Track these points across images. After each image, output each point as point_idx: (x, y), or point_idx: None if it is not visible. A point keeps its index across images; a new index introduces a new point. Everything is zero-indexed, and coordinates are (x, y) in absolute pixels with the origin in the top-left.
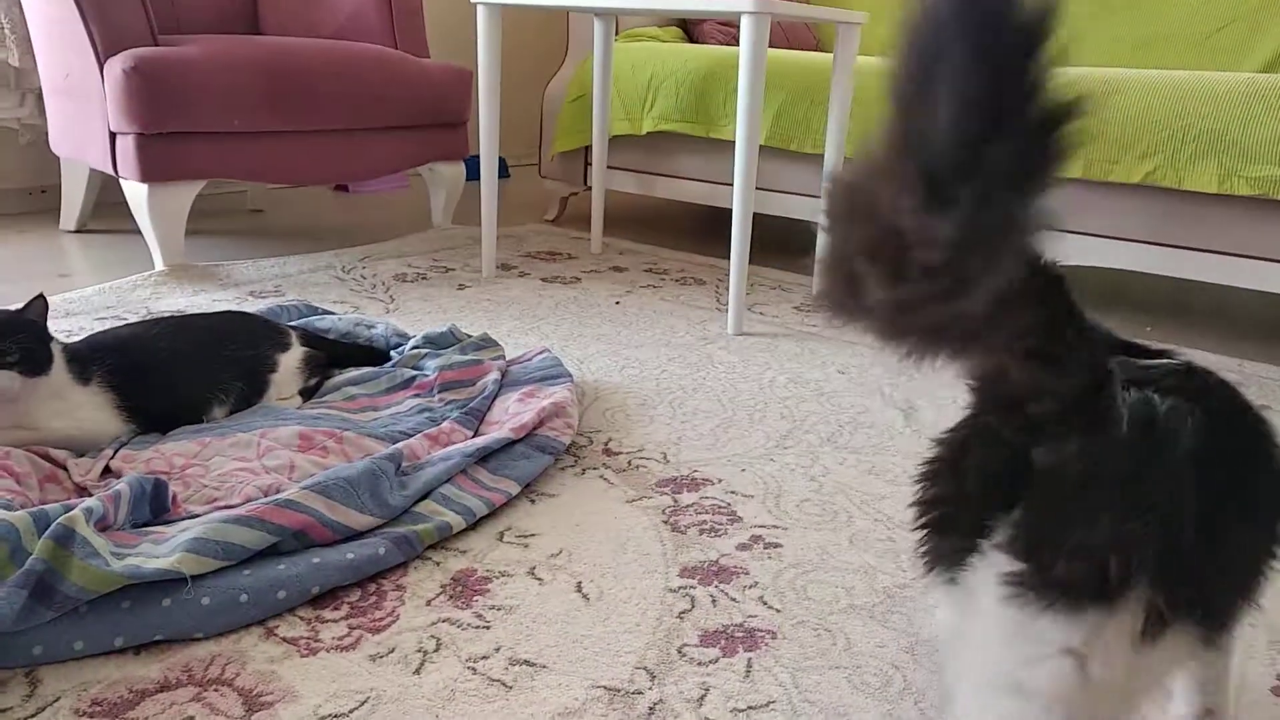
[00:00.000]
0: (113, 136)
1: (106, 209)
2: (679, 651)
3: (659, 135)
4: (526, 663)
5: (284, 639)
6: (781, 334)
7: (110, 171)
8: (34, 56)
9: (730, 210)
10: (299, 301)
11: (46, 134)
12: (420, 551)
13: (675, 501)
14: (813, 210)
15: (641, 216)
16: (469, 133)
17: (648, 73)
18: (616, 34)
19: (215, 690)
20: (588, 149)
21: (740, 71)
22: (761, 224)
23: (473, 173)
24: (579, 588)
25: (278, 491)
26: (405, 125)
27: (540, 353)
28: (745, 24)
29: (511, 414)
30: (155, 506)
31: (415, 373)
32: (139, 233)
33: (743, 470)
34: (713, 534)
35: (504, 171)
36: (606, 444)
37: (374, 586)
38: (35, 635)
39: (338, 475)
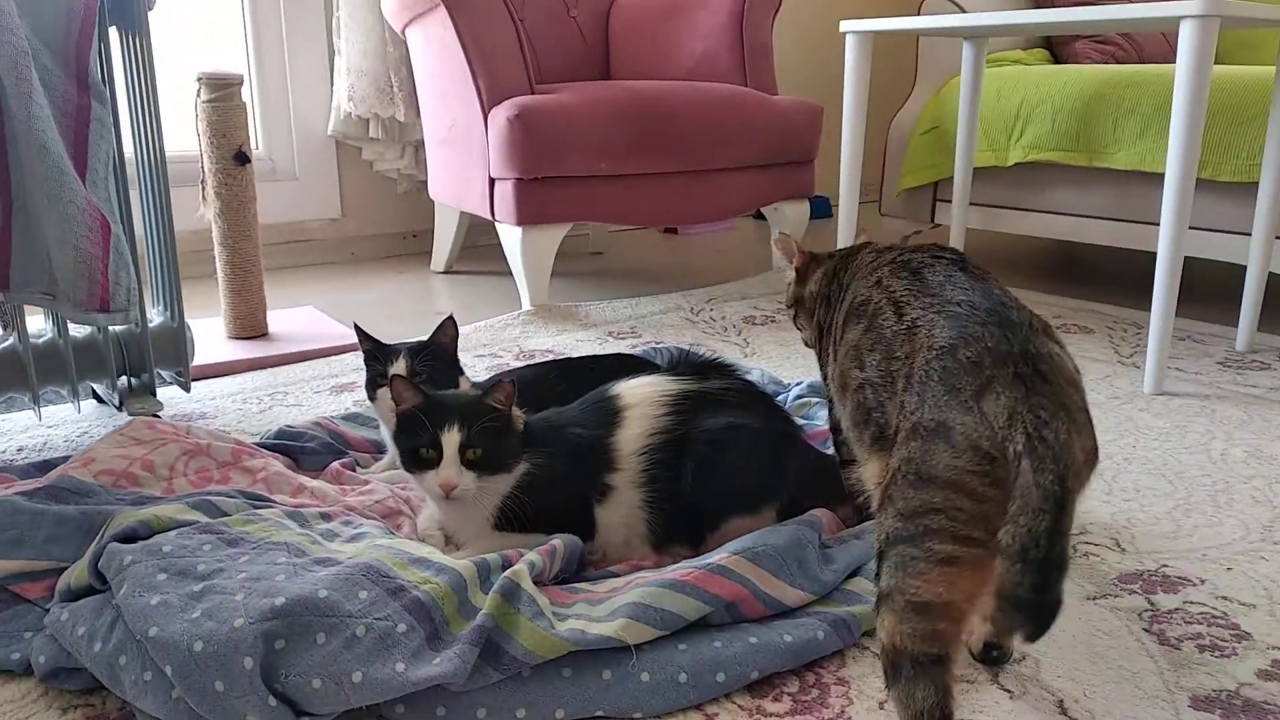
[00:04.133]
0: (491, 182)
1: (469, 252)
2: None
3: (1024, 167)
4: None
5: None
6: (1213, 395)
7: (487, 216)
8: (418, 111)
9: (1108, 247)
10: (671, 347)
11: (421, 183)
12: (858, 639)
13: (1151, 604)
14: (1236, 249)
15: (991, 255)
16: (814, 170)
17: (1017, 98)
18: None
19: None
20: (936, 184)
21: (1177, 88)
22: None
23: (814, 211)
24: (1062, 708)
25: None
26: (757, 164)
27: None
28: (1188, 31)
29: None
30: (581, 561)
31: (805, 422)
32: (499, 274)
33: (1229, 569)
34: (1217, 653)
35: (826, 210)
36: None
37: (812, 676)
38: (479, 697)
39: (765, 542)
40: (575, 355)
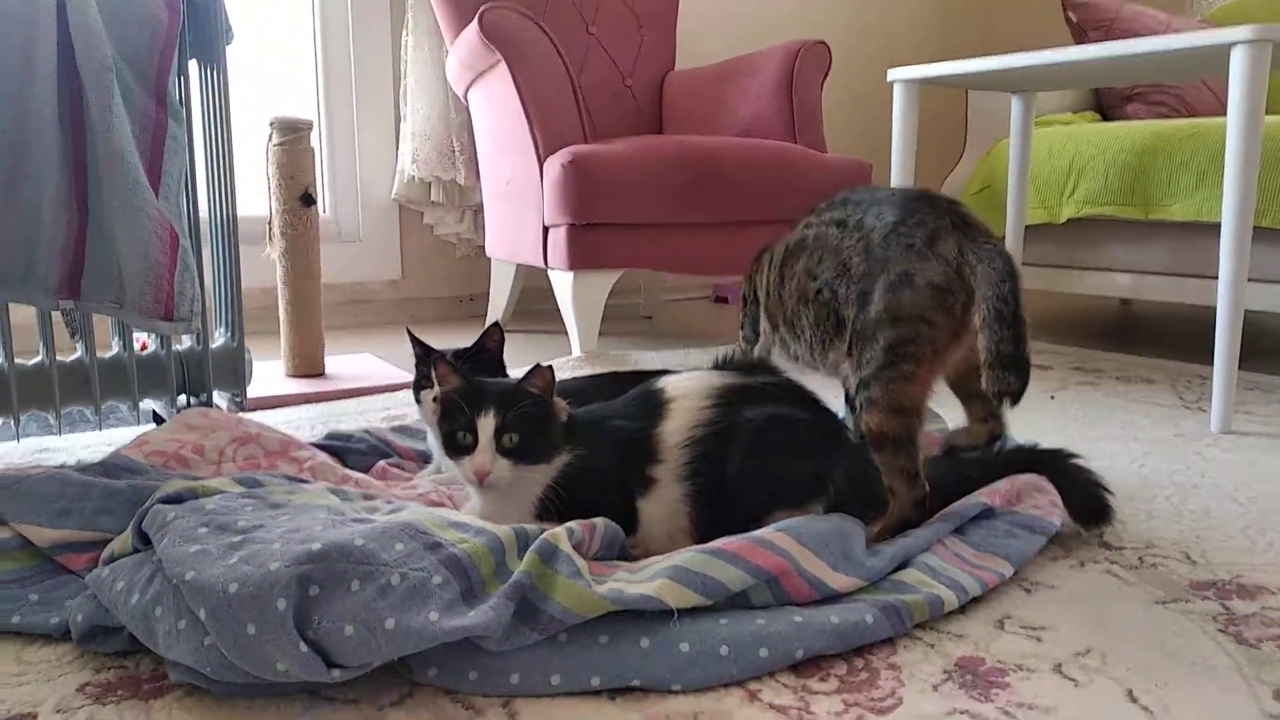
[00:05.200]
0: (545, 230)
1: (523, 315)
2: None
3: (1077, 224)
4: None
5: (771, 705)
6: None
7: (540, 264)
8: (478, 175)
9: (1166, 305)
10: None
11: (479, 247)
12: (909, 628)
13: (1226, 609)
14: None
15: (1044, 318)
16: None
17: (1068, 155)
18: None
19: None
20: None
21: (1230, 127)
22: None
23: None
24: (1131, 696)
25: None
26: None
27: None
28: (1239, 60)
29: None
30: (621, 553)
31: None
32: (552, 331)
33: None
34: None
35: None
36: (1101, 536)
37: (861, 661)
38: (514, 661)
39: (808, 525)
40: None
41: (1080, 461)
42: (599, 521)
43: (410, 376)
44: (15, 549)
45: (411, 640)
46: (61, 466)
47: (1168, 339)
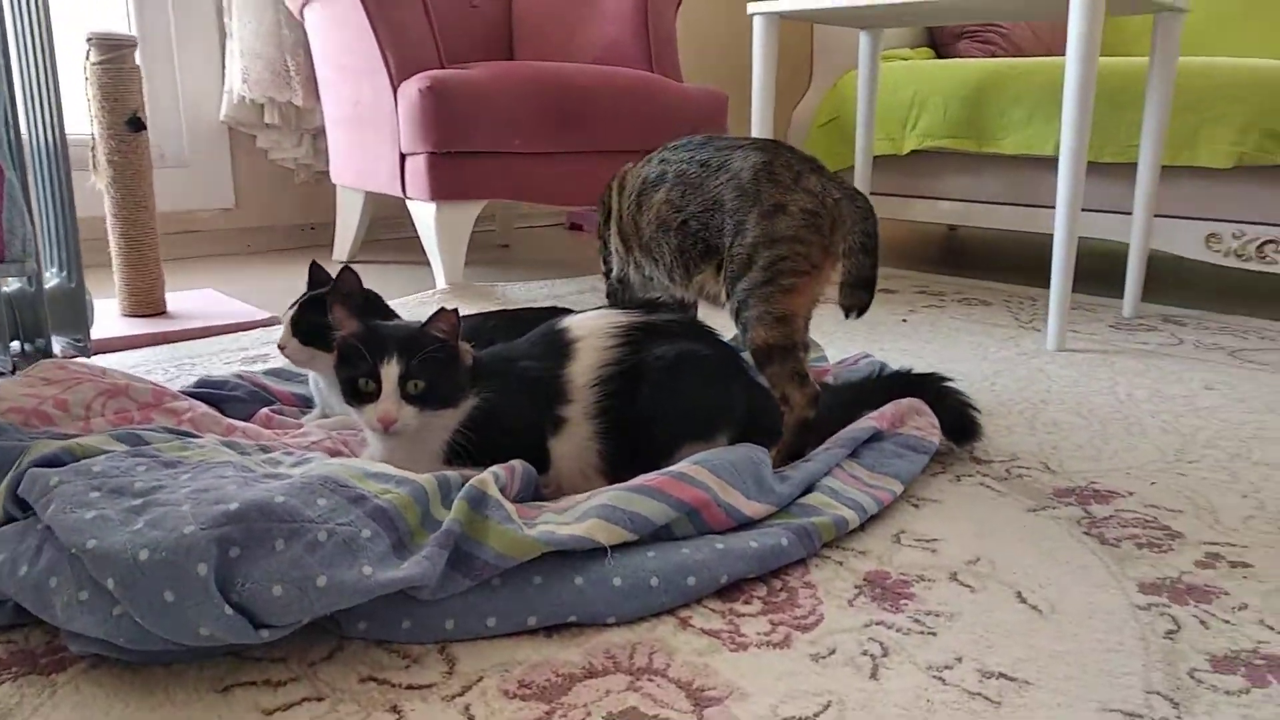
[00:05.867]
0: (403, 158)
1: (372, 244)
2: (1191, 677)
3: (918, 156)
4: (1003, 676)
5: (703, 630)
6: (1110, 351)
7: (398, 194)
8: (317, 97)
9: (997, 232)
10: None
11: (320, 173)
12: (818, 548)
13: (1087, 513)
14: (1115, 228)
15: (885, 244)
16: None
17: (910, 90)
18: None
19: (649, 680)
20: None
21: (1068, 73)
22: (1045, 244)
23: None
24: (1020, 597)
25: None
26: None
27: (864, 356)
28: (1076, 14)
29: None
30: (535, 493)
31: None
32: (407, 263)
33: (1152, 484)
34: (1155, 549)
35: None
36: (971, 452)
37: (779, 582)
38: (448, 607)
39: (720, 457)
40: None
41: (951, 384)
42: (516, 464)
43: (261, 314)
44: None
45: (345, 595)
46: None
47: (995, 262)
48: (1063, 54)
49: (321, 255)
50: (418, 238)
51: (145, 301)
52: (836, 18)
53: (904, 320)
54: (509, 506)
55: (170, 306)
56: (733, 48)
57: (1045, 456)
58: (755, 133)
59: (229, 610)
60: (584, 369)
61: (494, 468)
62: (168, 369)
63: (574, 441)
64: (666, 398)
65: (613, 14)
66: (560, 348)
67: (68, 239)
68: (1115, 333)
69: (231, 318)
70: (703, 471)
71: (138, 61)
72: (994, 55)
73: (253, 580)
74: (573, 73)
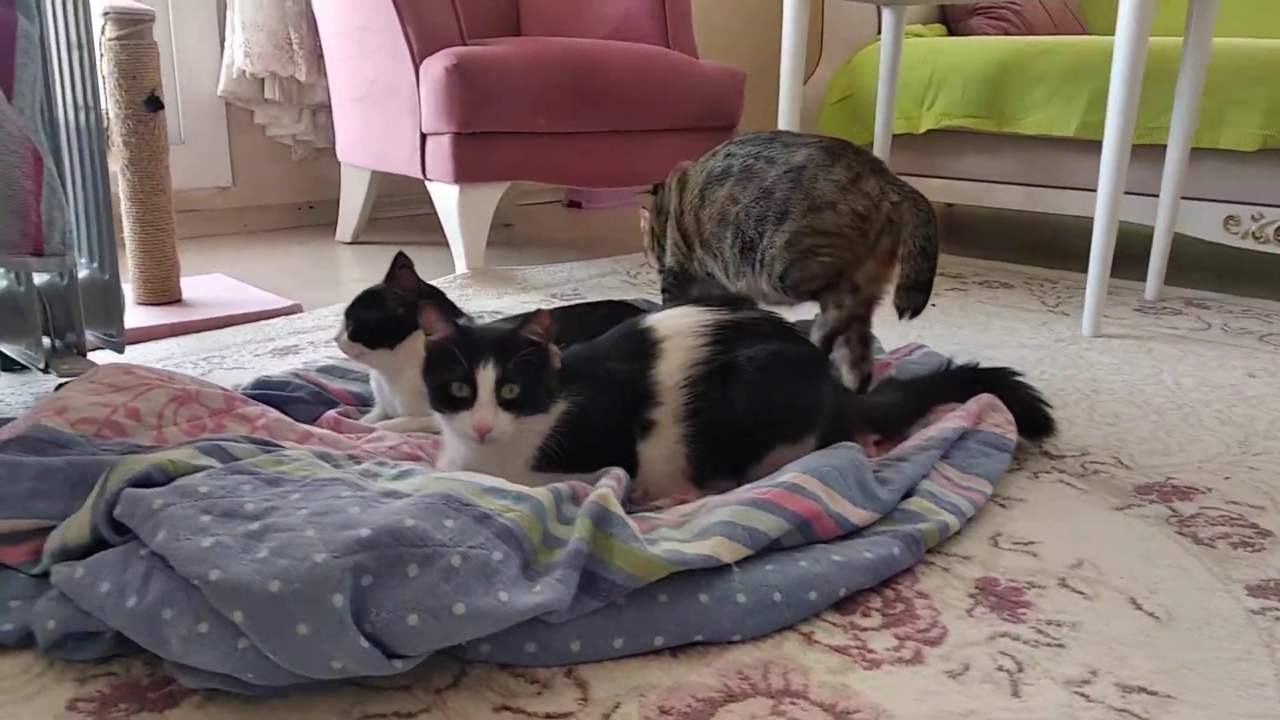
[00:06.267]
0: (423, 138)
1: (374, 224)
2: None
3: (935, 134)
4: (1144, 690)
5: (831, 647)
6: (1145, 336)
7: (416, 174)
8: (319, 71)
9: (1009, 212)
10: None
11: (319, 150)
12: (923, 555)
13: (1173, 511)
14: (1139, 210)
15: None
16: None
17: (927, 69)
18: (879, 33)
19: (792, 703)
20: None
21: (1117, 53)
22: (1057, 225)
23: None
24: (1135, 604)
25: None
26: (685, 128)
27: (918, 347)
28: None
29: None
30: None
31: None
32: (417, 243)
33: (1226, 478)
34: (1250, 549)
35: None
36: (1041, 446)
37: (892, 593)
38: (574, 629)
39: (825, 463)
40: (572, 304)
41: (1021, 378)
42: (619, 473)
43: (280, 301)
44: None
45: (484, 624)
46: None
47: (998, 242)
48: (1073, 34)
49: (321, 235)
50: (421, 217)
51: (160, 289)
52: None
53: (933, 304)
54: (632, 524)
55: (184, 294)
56: (746, 25)
57: (1115, 450)
58: (783, 108)
59: (364, 643)
60: (672, 369)
61: (606, 479)
62: (196, 362)
63: (663, 445)
64: (760, 399)
65: None
66: (646, 347)
67: (101, 227)
68: (1143, 317)
69: (250, 305)
70: (813, 481)
71: (155, 37)
72: (1007, 33)
73: (387, 610)
74: (598, 49)
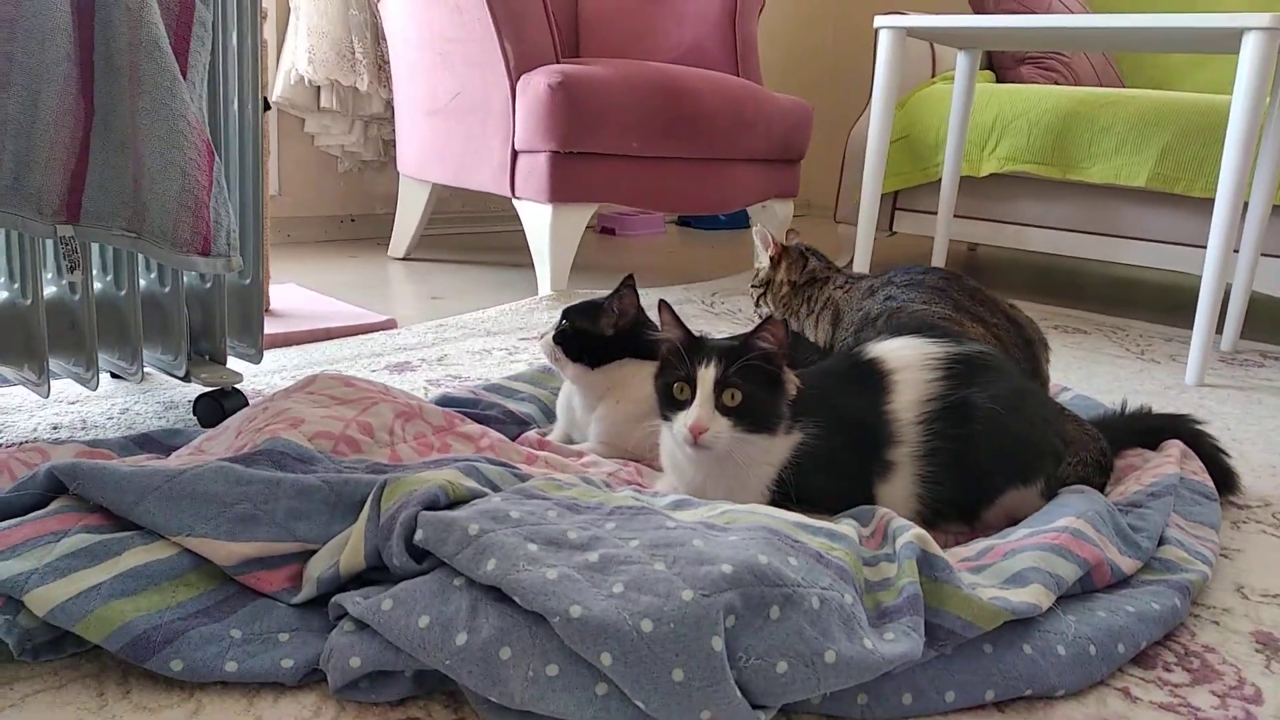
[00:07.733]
0: (514, 155)
1: (424, 240)
2: None
3: (994, 179)
4: None
5: (1154, 704)
6: (1245, 388)
7: (504, 192)
8: (380, 82)
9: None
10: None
11: (364, 162)
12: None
13: None
14: (1193, 261)
15: (954, 265)
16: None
17: (991, 113)
18: (934, 74)
19: None
20: (896, 194)
21: (1234, 106)
22: (1099, 271)
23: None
24: None
25: None
26: (761, 159)
27: (1063, 389)
28: (1251, 44)
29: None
30: None
31: None
32: (471, 264)
33: None
34: None
35: (745, 221)
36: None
37: (1179, 647)
38: (905, 681)
39: (1088, 508)
40: None
41: (1202, 427)
42: (884, 512)
43: (374, 315)
44: (188, 570)
45: (854, 673)
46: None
47: (1067, 290)
48: (1112, 86)
49: (368, 249)
50: (469, 236)
51: None
52: (963, 38)
53: None
54: (957, 569)
55: (272, 303)
56: (802, 59)
57: None
58: (871, 142)
59: (736, 693)
60: (907, 404)
61: (899, 520)
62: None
63: (901, 486)
64: (999, 438)
65: (694, 16)
66: (875, 379)
67: (254, 229)
68: (1230, 368)
69: (343, 318)
70: (1086, 526)
71: (266, 36)
72: (1055, 83)
73: (756, 655)
74: (689, 75)
